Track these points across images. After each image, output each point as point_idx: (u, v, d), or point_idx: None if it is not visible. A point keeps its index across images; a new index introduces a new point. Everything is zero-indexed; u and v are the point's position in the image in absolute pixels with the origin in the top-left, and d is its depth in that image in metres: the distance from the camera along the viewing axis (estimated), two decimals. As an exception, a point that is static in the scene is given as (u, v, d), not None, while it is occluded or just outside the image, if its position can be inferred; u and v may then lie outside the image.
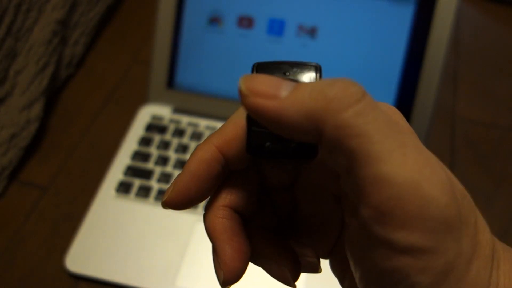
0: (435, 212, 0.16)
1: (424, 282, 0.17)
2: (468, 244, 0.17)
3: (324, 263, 0.24)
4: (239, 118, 0.20)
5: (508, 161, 0.62)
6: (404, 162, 0.16)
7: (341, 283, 0.23)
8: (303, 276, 0.49)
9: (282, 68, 0.19)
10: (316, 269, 0.23)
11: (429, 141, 0.58)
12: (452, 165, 0.61)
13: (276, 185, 0.22)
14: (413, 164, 0.16)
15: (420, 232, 0.16)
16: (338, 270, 0.23)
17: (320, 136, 0.17)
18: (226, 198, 0.21)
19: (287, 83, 0.18)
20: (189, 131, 0.60)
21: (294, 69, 0.19)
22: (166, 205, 0.20)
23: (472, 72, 0.74)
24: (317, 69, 0.19)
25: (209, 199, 0.21)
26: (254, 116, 0.18)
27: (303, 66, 0.19)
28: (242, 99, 0.18)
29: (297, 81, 0.18)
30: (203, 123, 0.61)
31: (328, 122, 0.17)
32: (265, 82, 0.18)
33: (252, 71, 0.19)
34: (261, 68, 0.19)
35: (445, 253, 0.17)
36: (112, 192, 0.55)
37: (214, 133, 0.21)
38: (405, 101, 0.57)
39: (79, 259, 0.50)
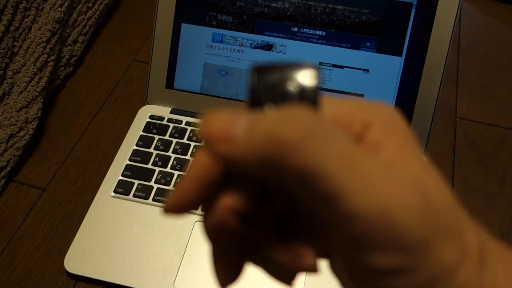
0: (405, 234, 0.16)
1: None
2: (451, 253, 0.17)
3: (323, 264, 0.24)
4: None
5: (510, 161, 0.62)
6: (367, 194, 0.16)
7: (341, 283, 0.23)
8: (302, 277, 0.48)
9: (281, 70, 0.19)
10: (314, 269, 0.23)
11: (430, 141, 0.58)
12: (453, 165, 0.61)
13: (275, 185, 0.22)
14: (378, 193, 0.16)
15: (394, 254, 0.16)
16: (337, 271, 0.23)
17: (279, 180, 0.17)
18: (225, 199, 0.20)
19: (242, 120, 0.18)
20: (188, 131, 0.60)
21: (293, 69, 0.19)
22: (167, 211, 0.20)
23: (474, 72, 0.74)
24: (314, 67, 0.19)
25: (208, 200, 0.21)
26: (218, 161, 0.18)
27: (301, 66, 0.19)
28: (203, 145, 0.18)
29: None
30: (202, 123, 0.61)
31: (283, 167, 0.16)
32: (219, 124, 0.18)
33: (252, 74, 0.19)
34: (260, 71, 0.19)
35: (425, 269, 0.17)
36: (111, 192, 0.54)
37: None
38: (406, 101, 0.57)
39: (78, 259, 0.49)
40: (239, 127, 0.17)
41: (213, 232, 0.20)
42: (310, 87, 0.19)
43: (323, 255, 0.23)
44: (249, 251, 0.21)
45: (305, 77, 0.19)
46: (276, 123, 0.17)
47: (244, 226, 0.21)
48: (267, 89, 0.19)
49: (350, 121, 0.19)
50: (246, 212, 0.21)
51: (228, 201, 0.20)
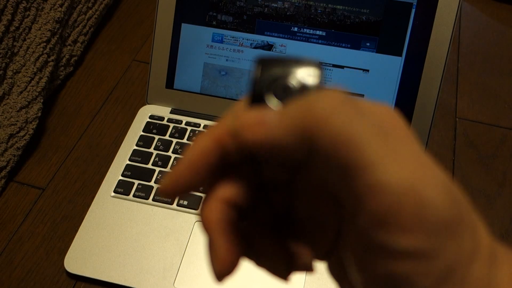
0: (433, 214, 0.16)
1: (425, 286, 0.17)
2: (468, 245, 0.17)
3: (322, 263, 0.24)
4: (240, 110, 0.20)
5: (510, 161, 0.62)
6: (398, 167, 0.16)
7: (340, 286, 0.22)
8: (301, 276, 0.48)
9: (285, 64, 0.19)
10: (310, 268, 0.23)
11: (430, 141, 0.58)
12: (453, 165, 0.61)
13: (273, 182, 0.22)
14: (408, 168, 0.16)
15: (419, 235, 0.16)
16: (336, 273, 0.23)
17: (311, 150, 0.17)
18: (223, 192, 0.21)
19: (271, 109, 0.18)
20: (188, 131, 0.60)
21: (296, 65, 0.19)
22: (162, 192, 0.20)
23: (474, 72, 0.74)
24: (317, 65, 0.19)
25: (206, 192, 0.21)
26: (252, 149, 0.18)
27: (304, 62, 0.19)
28: (236, 138, 0.18)
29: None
30: (202, 123, 0.61)
31: (317, 133, 0.17)
32: (251, 115, 0.18)
33: (256, 65, 0.19)
34: (264, 63, 0.19)
35: (445, 255, 0.16)
36: (111, 192, 0.54)
37: (215, 124, 0.21)
38: (406, 101, 0.57)
39: (78, 259, 0.49)
40: (270, 113, 0.18)
41: (210, 224, 0.20)
42: (312, 83, 0.19)
43: (320, 256, 0.23)
44: (245, 245, 0.21)
45: (308, 73, 0.19)
46: (308, 100, 0.17)
47: (240, 220, 0.21)
48: (270, 81, 0.19)
49: None
50: (243, 206, 0.21)
51: (226, 192, 0.20)
